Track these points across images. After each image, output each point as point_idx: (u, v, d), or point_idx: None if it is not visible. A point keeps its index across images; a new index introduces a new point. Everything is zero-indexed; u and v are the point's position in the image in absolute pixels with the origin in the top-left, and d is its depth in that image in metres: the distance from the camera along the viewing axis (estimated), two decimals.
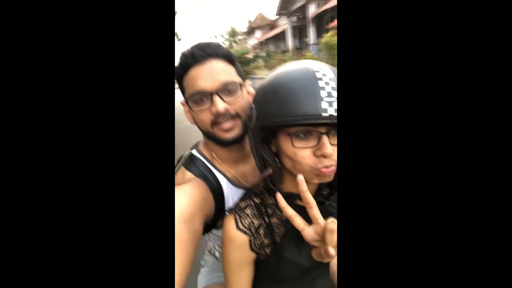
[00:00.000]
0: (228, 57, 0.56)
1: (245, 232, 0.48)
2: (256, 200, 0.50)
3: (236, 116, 0.55)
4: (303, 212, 0.46)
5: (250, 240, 0.48)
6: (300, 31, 15.39)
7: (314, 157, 0.40)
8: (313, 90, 0.37)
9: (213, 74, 0.52)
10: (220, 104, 0.52)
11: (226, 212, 0.61)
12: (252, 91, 0.59)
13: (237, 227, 0.48)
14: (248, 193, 0.53)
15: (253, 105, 0.44)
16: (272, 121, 0.39)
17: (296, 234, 0.48)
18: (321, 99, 0.37)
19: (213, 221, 0.61)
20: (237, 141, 0.57)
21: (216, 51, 0.54)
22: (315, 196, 0.46)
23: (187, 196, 0.51)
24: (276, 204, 0.49)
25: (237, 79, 0.56)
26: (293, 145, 0.40)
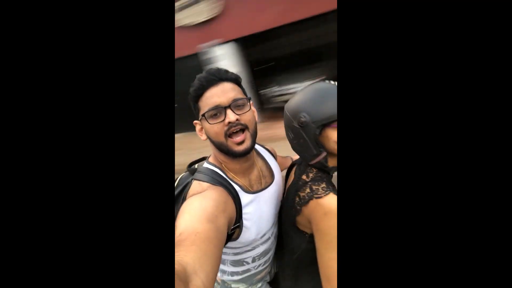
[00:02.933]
0: (235, 80, 0.69)
1: None
2: (325, 178, 0.68)
3: (245, 128, 0.66)
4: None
5: None
6: None
7: None
8: None
9: (225, 92, 0.65)
10: (232, 116, 0.63)
11: (244, 222, 0.67)
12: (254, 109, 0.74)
13: None
14: (318, 177, 0.67)
15: (304, 113, 0.65)
16: (329, 119, 0.62)
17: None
18: None
19: (233, 229, 0.64)
20: (247, 153, 0.67)
21: (226, 75, 0.67)
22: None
23: (210, 199, 0.58)
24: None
25: (244, 96, 0.69)
26: None
